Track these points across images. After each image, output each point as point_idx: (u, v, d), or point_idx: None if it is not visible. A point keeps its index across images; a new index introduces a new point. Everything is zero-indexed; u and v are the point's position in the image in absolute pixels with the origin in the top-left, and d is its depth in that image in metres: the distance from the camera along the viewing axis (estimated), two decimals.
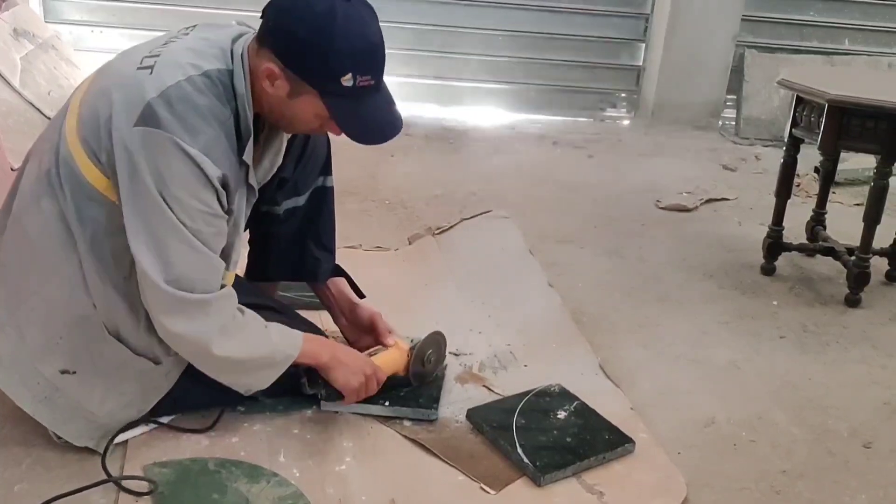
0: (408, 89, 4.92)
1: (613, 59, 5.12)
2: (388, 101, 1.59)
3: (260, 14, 1.52)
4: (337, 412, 1.83)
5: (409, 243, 2.85)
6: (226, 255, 1.59)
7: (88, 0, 4.68)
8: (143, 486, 1.57)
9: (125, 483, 1.57)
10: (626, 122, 5.12)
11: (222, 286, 1.54)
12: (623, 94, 5.19)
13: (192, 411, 1.76)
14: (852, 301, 2.67)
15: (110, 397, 1.62)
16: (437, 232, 2.87)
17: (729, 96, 5.05)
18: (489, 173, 3.83)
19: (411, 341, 1.91)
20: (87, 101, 1.52)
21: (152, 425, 1.73)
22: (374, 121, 1.57)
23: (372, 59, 1.51)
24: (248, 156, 1.56)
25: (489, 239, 2.86)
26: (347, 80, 1.48)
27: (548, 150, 4.38)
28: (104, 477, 1.57)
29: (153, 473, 1.60)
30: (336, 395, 1.75)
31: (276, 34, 1.49)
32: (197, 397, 1.72)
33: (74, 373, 1.59)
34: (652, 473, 1.74)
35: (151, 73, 1.46)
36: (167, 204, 1.44)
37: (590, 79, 5.10)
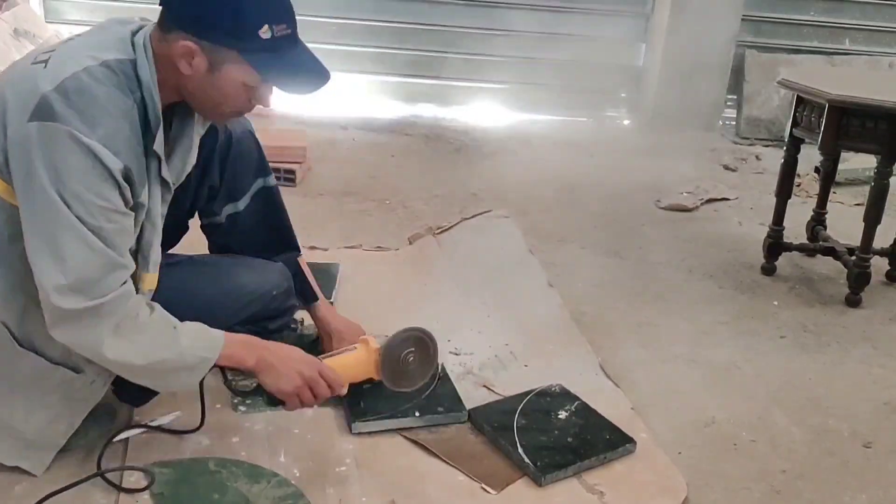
0: (408, 89, 4.93)
1: (614, 58, 5.12)
2: (309, 51, 1.53)
3: (158, 2, 1.48)
4: (371, 432, 1.76)
5: (410, 243, 2.85)
6: (143, 255, 1.53)
7: (88, 0, 4.68)
8: (141, 483, 1.57)
9: (125, 479, 1.57)
10: (626, 122, 5.12)
11: (123, 285, 1.44)
12: (623, 94, 5.19)
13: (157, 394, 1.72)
14: (852, 301, 2.67)
15: (35, 412, 1.55)
16: (437, 232, 2.87)
17: (729, 96, 5.05)
18: (489, 173, 3.83)
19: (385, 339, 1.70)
20: None
21: (141, 429, 1.71)
22: (303, 70, 1.51)
23: (282, 5, 1.48)
24: (158, 146, 1.48)
25: (489, 239, 2.86)
26: (265, 32, 1.43)
27: (548, 149, 4.38)
28: (107, 477, 1.57)
29: (153, 473, 1.60)
30: (276, 400, 1.58)
31: (183, 9, 1.44)
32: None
33: None
34: (652, 473, 1.74)
35: (46, 66, 1.40)
36: (64, 201, 1.36)
37: (590, 79, 5.10)
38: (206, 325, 1.54)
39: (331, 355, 1.70)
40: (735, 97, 5.04)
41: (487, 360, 2.13)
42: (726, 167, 4.26)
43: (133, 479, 1.59)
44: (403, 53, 4.85)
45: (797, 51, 5.04)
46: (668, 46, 4.83)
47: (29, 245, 1.40)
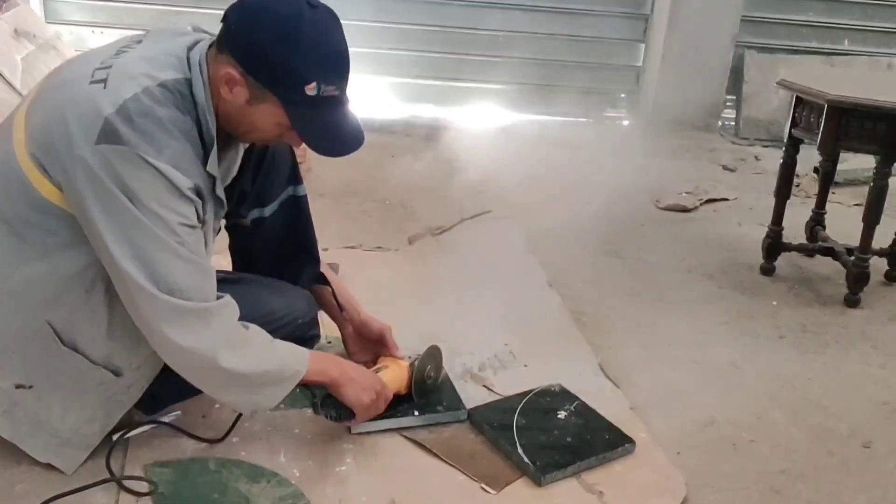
0: (408, 89, 4.93)
1: (613, 59, 5.12)
2: (352, 114, 1.55)
3: (221, 18, 1.47)
4: (370, 432, 1.78)
5: (410, 243, 2.86)
6: None
7: (89, 1, 4.68)
8: (143, 486, 1.57)
9: (125, 483, 1.57)
10: (625, 123, 5.12)
11: (219, 297, 1.49)
12: (623, 95, 5.20)
13: (180, 400, 1.74)
14: (851, 301, 2.67)
15: (71, 411, 1.57)
16: (437, 232, 2.87)
17: (728, 97, 5.06)
18: (489, 173, 3.82)
19: (409, 358, 1.88)
20: (36, 113, 1.46)
21: (154, 425, 1.73)
22: (337, 132, 1.53)
23: (337, 68, 1.47)
24: (212, 166, 1.50)
25: (489, 239, 2.86)
26: (311, 90, 1.44)
27: (547, 150, 4.38)
28: (106, 476, 1.58)
29: (154, 473, 1.60)
30: (347, 413, 1.69)
31: (238, 39, 1.44)
32: (178, 389, 1.64)
33: (31, 387, 1.54)
34: (651, 473, 1.74)
35: (105, 86, 1.40)
36: (145, 217, 1.39)
37: (590, 79, 5.10)
38: (290, 342, 1.61)
39: (377, 371, 1.81)
40: (734, 97, 5.04)
41: (487, 359, 2.13)
42: (725, 167, 4.27)
43: (133, 481, 1.59)
44: (403, 54, 4.85)
45: (796, 51, 5.05)
46: (667, 47, 4.83)
47: (117, 255, 1.40)
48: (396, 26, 4.76)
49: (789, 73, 2.81)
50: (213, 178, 1.52)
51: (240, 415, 1.72)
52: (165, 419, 1.75)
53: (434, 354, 1.90)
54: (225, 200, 1.60)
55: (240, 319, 1.56)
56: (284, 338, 1.74)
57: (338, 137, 1.53)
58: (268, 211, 1.86)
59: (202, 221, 1.51)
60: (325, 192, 3.36)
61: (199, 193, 1.47)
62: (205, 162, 1.49)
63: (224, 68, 1.44)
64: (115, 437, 1.65)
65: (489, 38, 4.95)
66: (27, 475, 1.59)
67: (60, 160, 1.40)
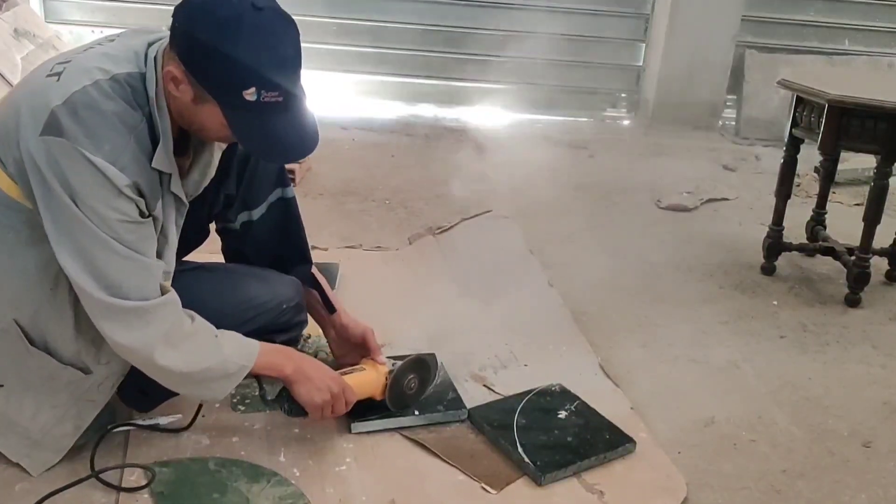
0: (408, 89, 4.93)
1: (614, 59, 5.12)
2: (300, 120, 1.47)
3: (172, 14, 1.44)
4: (370, 432, 1.78)
5: (410, 243, 2.86)
6: None
7: (89, 0, 4.68)
8: (141, 482, 1.57)
9: (125, 479, 1.57)
10: (626, 122, 5.12)
11: (163, 292, 1.47)
12: (623, 94, 5.19)
13: (166, 398, 1.73)
14: (852, 301, 2.67)
15: (42, 411, 1.56)
16: (437, 232, 2.87)
17: (729, 96, 5.05)
18: (489, 173, 3.82)
19: (393, 364, 1.81)
20: (0, 109, 1.47)
21: (130, 427, 1.72)
22: (279, 139, 1.45)
23: (280, 73, 1.40)
24: (158, 162, 1.46)
25: (489, 239, 2.86)
26: (251, 95, 1.38)
27: (548, 149, 4.38)
28: (106, 476, 1.58)
29: (154, 473, 1.60)
30: (298, 409, 1.66)
31: (181, 38, 1.41)
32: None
33: (1, 386, 1.54)
34: (652, 473, 1.74)
35: (59, 79, 1.40)
36: (83, 213, 1.38)
37: (590, 79, 5.10)
38: (241, 335, 1.58)
39: (345, 373, 1.76)
40: (735, 97, 5.04)
41: (487, 359, 2.13)
42: (726, 167, 4.27)
43: (133, 477, 1.59)
44: (404, 54, 4.85)
45: (797, 51, 5.04)
46: (668, 46, 4.83)
47: (58, 251, 1.41)
48: (396, 26, 4.75)
49: (790, 73, 2.81)
50: (167, 175, 1.50)
51: (201, 405, 1.72)
52: (165, 421, 1.74)
53: (422, 365, 1.84)
54: (183, 197, 1.57)
55: (219, 306, 1.56)
56: (268, 323, 1.76)
57: (279, 144, 1.46)
58: (256, 214, 1.84)
59: (150, 217, 1.48)
60: (324, 192, 3.36)
61: (139, 191, 1.43)
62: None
63: (169, 65, 1.42)
64: (98, 435, 1.64)
65: (489, 38, 4.95)
66: (27, 474, 1.59)
67: (12, 151, 1.41)
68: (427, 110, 4.88)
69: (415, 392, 1.82)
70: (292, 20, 1.43)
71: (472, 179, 3.68)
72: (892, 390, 2.19)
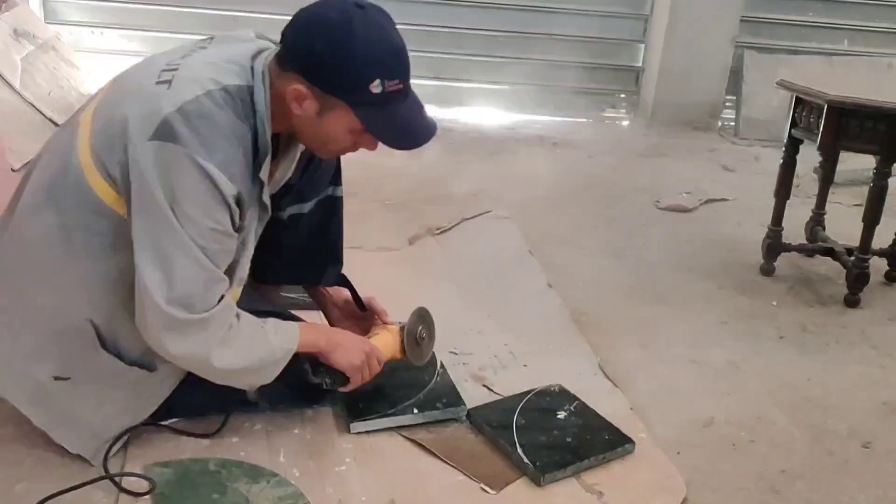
0: None
1: (613, 59, 5.13)
2: (419, 105, 1.58)
3: (279, 38, 1.52)
4: (369, 432, 1.78)
5: (410, 244, 2.86)
6: (231, 271, 1.57)
7: (88, 1, 4.68)
8: (143, 486, 1.57)
9: (125, 482, 1.57)
10: (625, 123, 5.12)
11: (223, 299, 1.51)
12: (623, 95, 5.20)
13: (193, 416, 1.75)
14: (851, 301, 2.67)
15: (105, 405, 1.60)
16: (437, 232, 2.87)
17: (728, 97, 5.06)
18: (489, 174, 3.83)
19: (399, 323, 1.87)
20: (102, 113, 1.50)
21: (151, 426, 1.72)
22: (409, 125, 1.56)
23: (397, 61, 1.49)
24: (264, 174, 1.53)
25: (489, 239, 2.87)
26: (376, 87, 1.46)
27: (547, 150, 4.39)
28: (105, 476, 1.58)
29: (154, 473, 1.60)
30: (341, 379, 1.72)
31: (297, 53, 1.48)
32: (197, 400, 1.70)
33: (68, 379, 1.57)
34: (651, 473, 1.74)
35: (169, 87, 1.44)
36: (178, 220, 1.41)
37: (589, 79, 5.11)
38: (278, 319, 1.63)
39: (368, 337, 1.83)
40: (734, 98, 5.04)
41: (487, 359, 2.13)
42: (725, 168, 4.27)
43: (133, 480, 1.59)
44: None
45: (796, 51, 5.05)
46: (667, 47, 4.83)
47: (139, 256, 1.44)
48: (397, 26, 4.75)
49: (789, 74, 2.81)
50: (260, 185, 1.55)
51: (229, 414, 1.75)
52: (165, 421, 1.74)
53: (423, 315, 1.90)
54: (269, 206, 1.62)
55: None
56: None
57: (411, 130, 1.56)
58: (306, 208, 1.88)
59: (238, 229, 1.53)
60: None
61: (239, 201, 1.49)
62: (257, 169, 1.52)
63: (290, 85, 1.48)
64: (117, 439, 1.65)
65: (489, 38, 4.95)
66: (28, 474, 1.59)
67: (117, 155, 1.43)
68: (427, 111, 4.87)
69: (426, 342, 1.88)
70: (390, 15, 1.51)
71: (472, 180, 3.69)
72: (892, 391, 2.19)
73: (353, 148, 1.61)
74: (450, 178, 3.69)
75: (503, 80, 5.03)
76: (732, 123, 5.04)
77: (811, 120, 2.62)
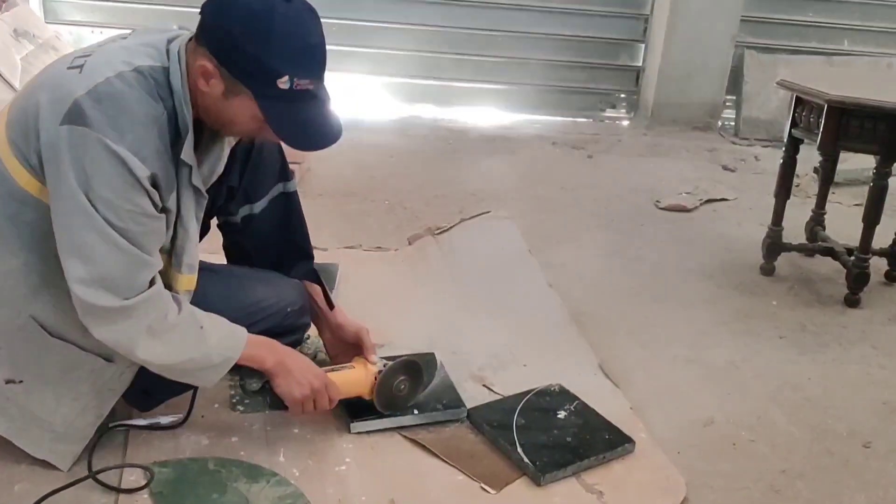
0: (407, 90, 4.93)
1: (613, 59, 5.12)
2: (328, 108, 1.53)
3: (199, 11, 1.48)
4: (369, 432, 1.78)
5: (409, 244, 2.86)
6: (177, 257, 1.56)
7: (88, 1, 4.68)
8: (140, 482, 1.57)
9: (124, 477, 1.57)
10: (625, 123, 5.12)
11: (152, 286, 1.48)
12: (622, 95, 5.19)
13: (173, 395, 1.73)
14: (851, 301, 2.67)
15: (63, 403, 1.57)
16: (436, 232, 2.87)
17: (728, 97, 5.06)
18: (488, 174, 3.83)
19: (384, 364, 1.79)
20: (16, 103, 1.49)
21: (129, 426, 1.72)
22: (312, 126, 1.50)
23: (311, 61, 1.46)
24: (186, 155, 1.50)
25: (488, 239, 2.86)
26: (284, 83, 1.43)
27: (547, 150, 4.39)
28: (104, 476, 1.57)
29: (153, 473, 1.60)
30: (280, 402, 1.68)
31: (212, 31, 1.45)
32: (171, 384, 1.64)
33: (21, 382, 1.55)
34: (651, 473, 1.74)
35: (81, 71, 1.42)
36: (92, 203, 1.39)
37: (589, 79, 5.11)
38: (228, 322, 1.60)
39: (332, 370, 1.76)
40: (734, 97, 5.04)
41: (487, 359, 2.13)
42: (725, 167, 4.27)
43: (133, 478, 1.59)
44: (403, 54, 4.85)
45: (796, 51, 5.05)
46: (667, 47, 4.83)
47: (59, 242, 1.43)
48: (395, 26, 4.75)
49: (789, 73, 2.81)
50: (188, 167, 1.52)
51: (193, 397, 1.72)
52: (165, 420, 1.74)
53: (413, 368, 1.81)
54: (203, 190, 1.59)
55: (225, 309, 1.59)
56: (273, 327, 1.76)
57: (312, 132, 1.50)
58: (257, 208, 1.85)
59: (163, 210, 1.50)
60: (324, 193, 3.36)
61: (155, 183, 1.45)
62: (179, 150, 1.49)
63: (200, 60, 1.45)
64: (98, 436, 1.65)
65: (489, 38, 4.95)
66: (26, 474, 1.59)
67: (33, 143, 1.42)
68: (427, 111, 4.88)
69: (405, 395, 1.80)
70: (316, 12, 1.48)
71: (471, 180, 3.69)
72: (892, 390, 2.19)
73: (257, 134, 1.58)
74: (449, 178, 3.69)
75: (502, 79, 5.03)
76: (732, 123, 5.04)
77: (811, 120, 2.62)
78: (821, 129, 2.53)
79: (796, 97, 2.68)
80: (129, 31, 1.59)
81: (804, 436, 1.96)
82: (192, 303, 1.59)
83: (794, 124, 2.72)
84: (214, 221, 1.91)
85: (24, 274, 1.50)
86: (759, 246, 2.92)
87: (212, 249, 1.96)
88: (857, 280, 2.66)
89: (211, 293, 1.68)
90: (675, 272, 2.88)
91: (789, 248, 2.90)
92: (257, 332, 1.70)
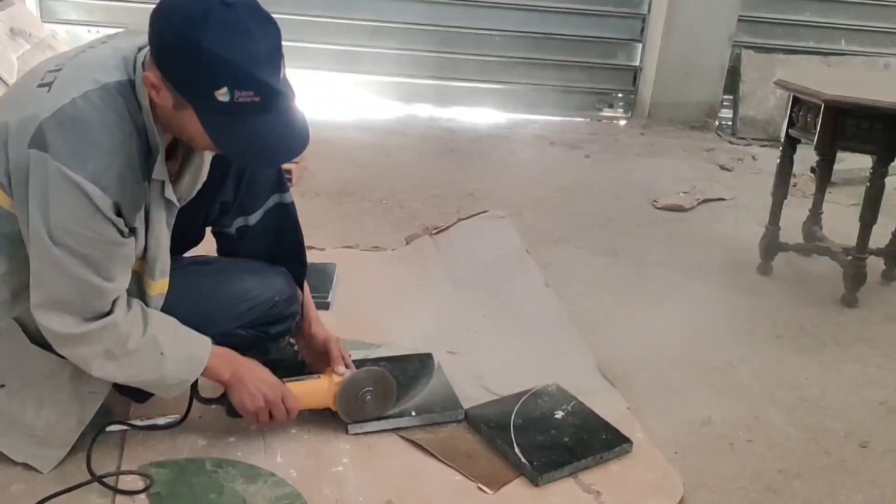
0: (405, 89, 4.93)
1: (610, 59, 5.13)
2: (283, 121, 1.39)
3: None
4: (365, 433, 1.78)
5: (406, 243, 2.86)
6: (149, 266, 1.54)
7: (85, 0, 4.67)
8: (138, 485, 1.57)
9: (122, 481, 1.57)
10: (622, 123, 5.12)
11: (109, 314, 1.46)
12: (620, 95, 5.20)
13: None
14: (848, 301, 2.68)
15: (45, 408, 1.57)
16: (434, 232, 2.87)
17: (725, 96, 5.06)
18: (486, 173, 3.83)
19: (350, 373, 1.78)
20: None
21: (126, 427, 1.72)
22: (260, 142, 1.37)
23: (253, 71, 1.31)
24: (158, 173, 1.46)
25: (486, 239, 2.86)
26: (223, 95, 1.30)
27: (545, 150, 4.39)
28: (105, 477, 1.57)
29: (150, 473, 1.60)
30: (234, 412, 1.68)
31: (154, 41, 1.35)
32: None
33: (2, 386, 1.55)
34: (649, 473, 1.74)
35: (49, 90, 1.38)
36: (49, 230, 1.36)
37: (586, 79, 5.11)
38: (193, 340, 1.58)
39: (296, 380, 1.76)
40: (731, 97, 5.05)
41: (484, 359, 2.13)
42: (722, 167, 4.27)
43: (129, 479, 1.59)
44: (400, 53, 4.85)
45: (793, 51, 5.05)
46: (664, 47, 4.83)
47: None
48: (394, 26, 4.75)
49: (786, 73, 2.81)
50: (159, 183, 1.49)
51: (191, 398, 1.71)
52: (163, 421, 1.74)
53: (381, 379, 1.79)
54: (177, 203, 1.56)
55: (213, 300, 1.61)
56: (261, 316, 1.76)
57: (259, 148, 1.38)
58: (252, 219, 1.82)
59: (132, 231, 1.46)
60: (321, 192, 3.36)
61: (118, 212, 1.41)
62: (150, 168, 1.45)
63: (147, 70, 1.37)
64: (94, 436, 1.65)
65: (487, 38, 4.95)
66: (24, 476, 1.58)
67: (2, 162, 1.40)
68: (423, 110, 4.88)
69: (372, 406, 1.78)
70: (270, 17, 1.36)
71: (468, 179, 3.68)
72: (889, 390, 2.19)
73: (214, 149, 1.46)
74: (447, 178, 3.69)
75: (500, 79, 5.03)
76: (730, 123, 5.04)
77: (808, 119, 2.62)
78: (818, 129, 2.54)
79: (793, 97, 2.68)
80: (112, 34, 1.54)
81: (801, 435, 1.96)
82: (179, 297, 1.59)
83: (791, 124, 2.72)
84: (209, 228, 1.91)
85: (4, 281, 1.50)
86: (757, 246, 2.92)
87: (206, 250, 1.95)
88: (854, 280, 2.66)
89: (198, 285, 1.68)
90: (671, 272, 2.88)
91: (786, 247, 2.90)
92: (246, 321, 1.72)
